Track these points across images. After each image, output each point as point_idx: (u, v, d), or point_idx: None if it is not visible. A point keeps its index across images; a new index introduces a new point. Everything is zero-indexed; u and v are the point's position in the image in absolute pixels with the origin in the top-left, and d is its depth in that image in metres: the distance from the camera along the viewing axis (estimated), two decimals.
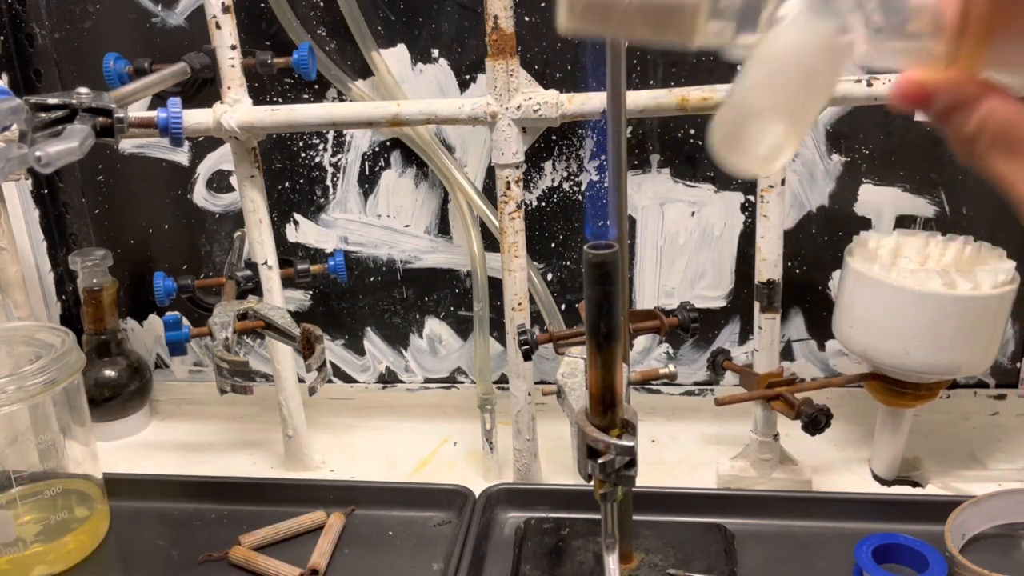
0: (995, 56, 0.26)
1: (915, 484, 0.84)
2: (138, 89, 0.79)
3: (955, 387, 0.94)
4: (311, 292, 1.00)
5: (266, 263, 0.84)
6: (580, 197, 0.91)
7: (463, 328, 0.99)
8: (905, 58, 0.27)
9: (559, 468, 0.88)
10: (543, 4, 0.85)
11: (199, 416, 1.04)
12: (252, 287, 0.89)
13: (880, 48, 0.26)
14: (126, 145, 0.97)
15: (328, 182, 0.95)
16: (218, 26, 0.78)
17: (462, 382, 1.02)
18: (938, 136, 0.32)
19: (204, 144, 0.95)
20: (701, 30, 0.26)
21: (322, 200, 0.96)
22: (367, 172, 0.94)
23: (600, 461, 0.54)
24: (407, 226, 0.95)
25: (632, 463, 0.55)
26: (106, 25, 0.92)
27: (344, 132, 0.93)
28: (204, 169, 0.97)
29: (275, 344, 0.86)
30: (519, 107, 0.74)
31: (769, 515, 0.76)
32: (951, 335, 0.72)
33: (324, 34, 0.89)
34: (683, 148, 0.89)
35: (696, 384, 0.98)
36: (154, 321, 1.04)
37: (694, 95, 0.72)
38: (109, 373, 0.98)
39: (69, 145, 0.64)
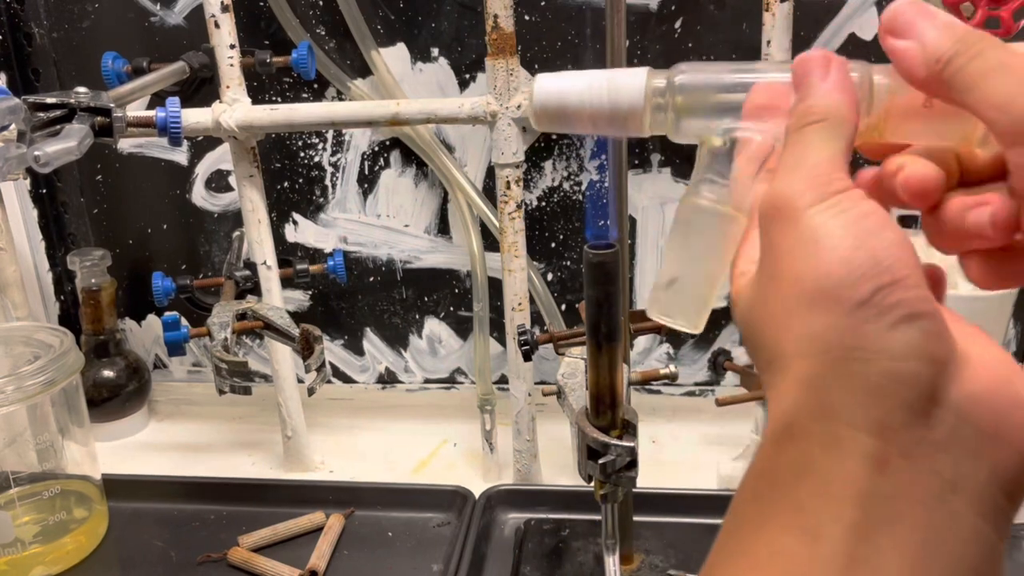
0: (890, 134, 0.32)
1: None
2: (136, 88, 0.79)
3: None
4: (310, 292, 1.00)
5: (265, 263, 0.84)
6: (580, 197, 0.91)
7: (463, 328, 0.99)
8: None
9: (559, 468, 0.88)
10: (543, 3, 0.85)
11: (198, 416, 1.04)
12: (251, 287, 0.89)
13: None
14: (125, 145, 0.96)
15: (327, 182, 0.95)
16: (217, 25, 0.78)
17: (462, 382, 1.01)
18: None
19: (203, 143, 0.95)
20: (648, 126, 0.32)
21: (321, 200, 0.95)
22: (366, 172, 0.94)
23: (600, 462, 0.54)
24: (407, 226, 0.95)
25: (632, 464, 0.55)
26: (104, 24, 0.92)
27: (343, 131, 0.92)
28: (203, 169, 0.97)
29: (274, 344, 0.85)
30: (519, 106, 0.74)
31: None
32: None
33: (323, 33, 0.89)
34: (684, 147, 0.88)
35: (697, 384, 0.98)
36: (153, 321, 1.04)
37: None
38: (108, 373, 0.98)
39: (67, 145, 0.64)
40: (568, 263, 0.94)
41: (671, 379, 0.73)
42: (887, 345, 0.25)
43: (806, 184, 0.28)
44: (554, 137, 0.89)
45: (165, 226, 1.00)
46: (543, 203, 0.92)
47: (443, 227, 0.95)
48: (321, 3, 0.88)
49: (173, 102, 0.75)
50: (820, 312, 0.26)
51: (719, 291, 0.32)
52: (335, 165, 0.94)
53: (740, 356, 0.95)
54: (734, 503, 0.28)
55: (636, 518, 0.69)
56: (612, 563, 0.60)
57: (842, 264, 0.26)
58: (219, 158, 0.96)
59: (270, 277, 0.85)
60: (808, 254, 0.27)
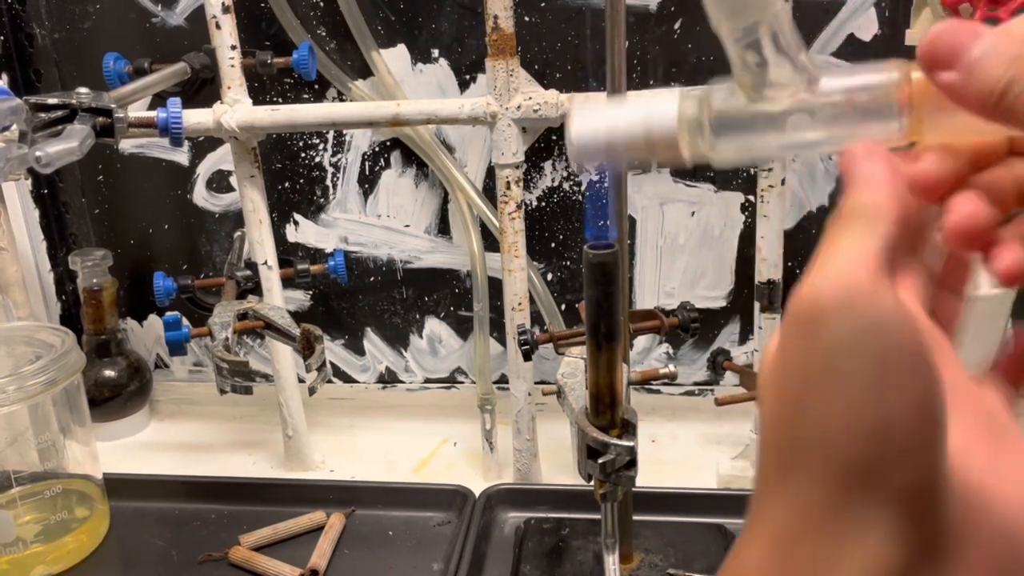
0: (934, 129, 0.29)
1: None
2: (138, 89, 0.79)
3: None
4: (311, 292, 1.00)
5: (266, 263, 0.84)
6: (580, 197, 0.91)
7: (463, 328, 0.99)
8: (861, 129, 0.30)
9: (559, 468, 0.88)
10: (543, 4, 0.85)
11: (199, 416, 1.04)
12: (252, 287, 0.89)
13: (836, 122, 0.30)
14: (126, 145, 0.97)
15: (328, 182, 0.95)
16: (218, 26, 0.78)
17: (462, 382, 1.02)
18: None
19: (204, 144, 0.95)
20: (689, 152, 0.31)
21: (322, 200, 0.96)
22: (367, 172, 0.94)
23: (600, 461, 0.54)
24: (407, 226, 0.95)
25: (632, 463, 0.55)
26: (106, 25, 0.92)
27: (344, 132, 0.93)
28: (204, 169, 0.97)
29: (275, 344, 0.86)
30: (519, 107, 0.74)
31: None
32: None
33: (324, 34, 0.89)
34: None
35: (696, 384, 0.98)
36: (154, 321, 1.04)
37: None
38: (109, 373, 0.98)
39: (69, 145, 0.64)
40: (568, 263, 0.94)
41: (670, 379, 0.74)
42: (870, 525, 0.23)
43: (829, 285, 0.25)
44: (554, 137, 0.89)
45: (166, 226, 1.00)
46: (543, 203, 0.92)
47: (443, 227, 0.95)
48: (322, 4, 0.88)
49: (174, 103, 0.75)
50: (809, 466, 0.23)
51: None
52: (336, 165, 0.94)
53: (739, 356, 0.95)
54: None
55: (635, 517, 0.69)
56: (612, 562, 0.61)
57: (846, 417, 0.23)
58: (220, 158, 0.96)
59: (271, 277, 0.85)
60: (817, 391, 0.23)
